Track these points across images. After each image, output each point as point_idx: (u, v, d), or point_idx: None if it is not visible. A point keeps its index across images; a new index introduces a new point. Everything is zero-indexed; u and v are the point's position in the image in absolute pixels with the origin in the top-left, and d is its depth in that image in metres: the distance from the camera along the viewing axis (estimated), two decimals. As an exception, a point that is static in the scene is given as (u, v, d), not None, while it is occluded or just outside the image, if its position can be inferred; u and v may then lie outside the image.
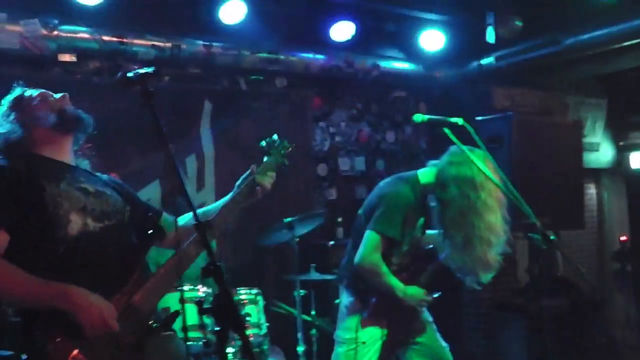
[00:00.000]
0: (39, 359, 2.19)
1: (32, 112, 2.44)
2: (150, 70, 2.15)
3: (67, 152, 2.52)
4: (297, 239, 4.47)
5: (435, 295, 3.51)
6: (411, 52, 5.97)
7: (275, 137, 2.83)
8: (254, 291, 4.23)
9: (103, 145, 2.72)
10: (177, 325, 3.71)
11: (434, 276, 3.52)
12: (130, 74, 2.15)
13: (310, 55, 5.58)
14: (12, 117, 2.45)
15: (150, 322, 2.34)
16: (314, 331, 4.72)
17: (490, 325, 5.91)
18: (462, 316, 6.14)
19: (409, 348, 3.61)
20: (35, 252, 2.26)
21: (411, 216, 3.39)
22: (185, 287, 3.99)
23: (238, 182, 2.70)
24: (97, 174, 2.62)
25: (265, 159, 2.75)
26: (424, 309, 3.63)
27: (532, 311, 5.19)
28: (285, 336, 4.76)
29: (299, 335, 4.33)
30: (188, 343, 3.86)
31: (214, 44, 5.11)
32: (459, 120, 3.08)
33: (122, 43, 4.77)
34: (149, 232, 2.52)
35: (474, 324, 6.13)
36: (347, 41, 5.44)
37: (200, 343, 3.91)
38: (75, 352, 2.16)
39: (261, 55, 5.36)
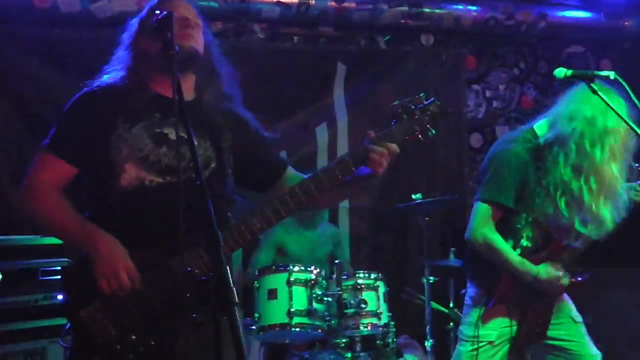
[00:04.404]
0: (77, 302, 2.08)
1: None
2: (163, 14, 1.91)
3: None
4: (428, 219, 3.83)
5: (581, 279, 2.84)
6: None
7: (419, 96, 2.13)
8: (374, 275, 3.66)
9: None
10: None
11: (582, 253, 2.83)
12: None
13: (461, 7, 4.84)
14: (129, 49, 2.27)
15: (192, 315, 1.86)
16: (451, 324, 4.06)
17: None
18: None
19: (549, 352, 2.92)
20: (92, 192, 2.22)
21: (530, 177, 2.77)
22: (295, 268, 3.56)
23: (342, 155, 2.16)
24: (223, 110, 2.27)
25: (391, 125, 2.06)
26: (569, 304, 2.93)
27: None
28: (419, 328, 4.15)
29: (427, 328, 3.70)
30: (295, 330, 3.44)
31: (347, -2, 4.58)
32: (611, 74, 2.48)
33: (243, 1, 4.42)
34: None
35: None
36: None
37: (309, 331, 3.46)
38: (97, 302, 2.05)
39: (402, 9, 4.73)
